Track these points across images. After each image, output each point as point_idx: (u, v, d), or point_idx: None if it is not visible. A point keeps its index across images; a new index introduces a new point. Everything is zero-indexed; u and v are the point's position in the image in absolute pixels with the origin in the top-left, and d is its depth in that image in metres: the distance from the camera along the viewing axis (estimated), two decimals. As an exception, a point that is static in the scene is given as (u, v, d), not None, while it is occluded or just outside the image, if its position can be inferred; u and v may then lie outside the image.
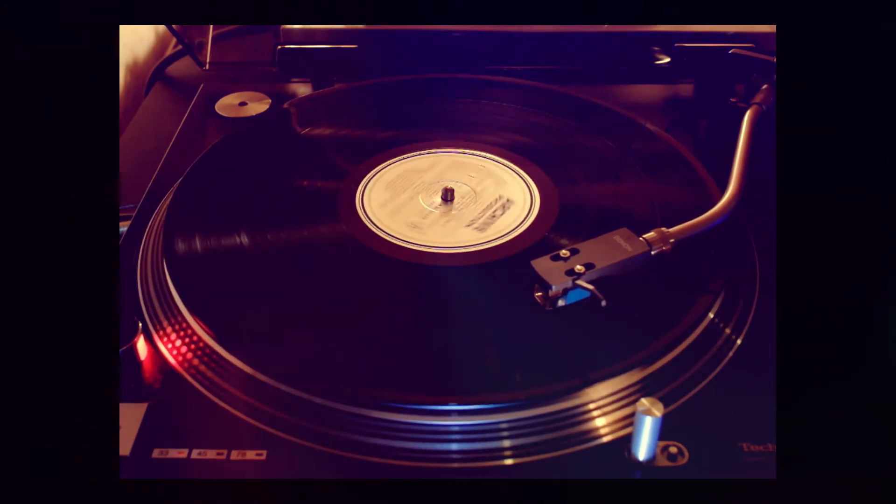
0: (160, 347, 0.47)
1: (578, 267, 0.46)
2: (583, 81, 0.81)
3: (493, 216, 0.56)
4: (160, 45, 0.97)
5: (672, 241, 0.49)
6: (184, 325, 0.48)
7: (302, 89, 0.80)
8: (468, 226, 0.56)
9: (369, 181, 0.60)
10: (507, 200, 0.58)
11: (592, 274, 0.46)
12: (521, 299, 0.47)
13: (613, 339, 0.46)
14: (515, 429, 0.42)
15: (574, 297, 0.46)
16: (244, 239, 0.54)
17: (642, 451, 0.40)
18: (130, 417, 0.43)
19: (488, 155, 0.64)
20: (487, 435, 0.42)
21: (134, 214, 0.60)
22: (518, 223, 0.56)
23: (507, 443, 0.42)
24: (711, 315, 0.49)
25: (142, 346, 0.47)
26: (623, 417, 0.43)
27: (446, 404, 0.42)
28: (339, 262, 0.53)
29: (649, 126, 0.67)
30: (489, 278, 0.52)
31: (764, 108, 0.65)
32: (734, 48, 0.72)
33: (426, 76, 0.76)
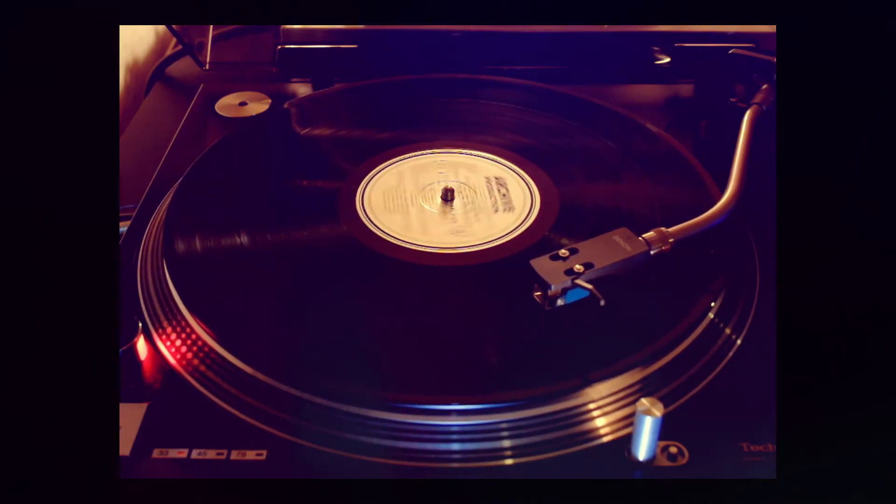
0: (160, 347, 0.47)
1: (578, 266, 0.46)
2: (583, 81, 0.81)
3: (494, 215, 0.56)
4: (160, 45, 0.97)
5: (671, 240, 0.49)
6: (184, 325, 0.48)
7: (302, 89, 0.80)
8: (468, 225, 0.56)
9: (369, 181, 0.60)
10: (508, 201, 0.58)
11: (592, 273, 0.46)
12: (521, 299, 0.47)
13: (613, 339, 0.46)
14: (515, 429, 0.42)
15: (573, 296, 0.46)
16: (244, 239, 0.54)
17: (642, 451, 0.40)
18: (130, 417, 0.43)
19: (488, 155, 0.64)
20: (487, 435, 0.42)
21: (134, 214, 0.59)
22: (518, 223, 0.56)
23: (507, 443, 0.42)
24: (711, 315, 0.49)
25: (142, 346, 0.47)
26: (623, 417, 0.43)
27: (446, 404, 0.42)
28: (339, 262, 0.53)
29: (649, 126, 0.67)
30: (489, 278, 0.51)
31: (764, 108, 0.65)
32: (734, 48, 0.72)
33: (426, 76, 0.76)
